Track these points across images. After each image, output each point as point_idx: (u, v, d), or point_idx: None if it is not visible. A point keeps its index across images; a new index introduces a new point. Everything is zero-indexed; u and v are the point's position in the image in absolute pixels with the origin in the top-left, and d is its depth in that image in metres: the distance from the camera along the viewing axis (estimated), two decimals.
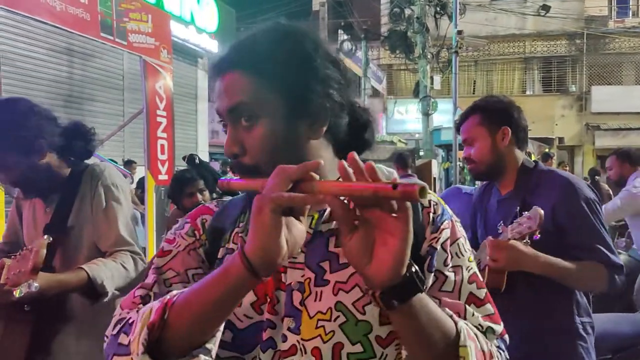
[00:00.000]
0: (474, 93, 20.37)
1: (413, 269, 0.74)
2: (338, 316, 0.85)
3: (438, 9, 13.50)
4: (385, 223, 0.72)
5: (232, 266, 0.74)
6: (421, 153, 13.58)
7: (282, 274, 0.89)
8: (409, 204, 0.71)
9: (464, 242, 0.94)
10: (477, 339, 0.85)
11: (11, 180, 1.90)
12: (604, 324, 2.68)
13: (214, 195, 3.20)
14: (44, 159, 1.84)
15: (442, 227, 0.91)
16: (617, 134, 18.38)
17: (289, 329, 0.87)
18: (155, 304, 0.80)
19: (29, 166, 1.81)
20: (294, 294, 0.88)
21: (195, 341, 0.79)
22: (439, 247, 0.90)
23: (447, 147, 12.44)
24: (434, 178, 10.86)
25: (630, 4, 21.03)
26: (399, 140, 13.21)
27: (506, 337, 0.94)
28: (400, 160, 5.81)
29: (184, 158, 3.31)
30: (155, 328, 0.77)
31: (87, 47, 9.19)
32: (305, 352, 0.85)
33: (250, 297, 0.88)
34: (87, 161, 1.97)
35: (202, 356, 0.79)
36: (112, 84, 10.39)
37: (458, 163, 11.29)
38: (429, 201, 0.94)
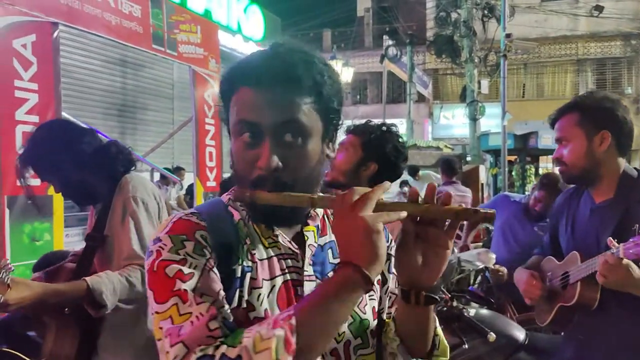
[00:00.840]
0: (523, 97, 19.86)
1: None
2: (349, 320, 0.99)
3: (486, 11, 13.25)
4: (439, 239, 0.90)
5: (348, 282, 0.83)
6: (468, 158, 13.34)
7: (299, 287, 0.97)
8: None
9: None
10: None
11: (65, 194, 2.09)
12: None
13: None
14: (93, 174, 1.99)
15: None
16: None
17: None
18: (267, 333, 0.79)
19: (79, 180, 1.98)
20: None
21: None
22: (392, 252, 1.09)
23: (496, 153, 12.16)
24: (482, 184, 10.64)
25: None
26: (445, 146, 13.02)
27: None
28: (447, 166, 5.59)
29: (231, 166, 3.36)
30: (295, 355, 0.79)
31: (138, 58, 9.52)
32: (327, 355, 0.96)
33: (277, 311, 0.94)
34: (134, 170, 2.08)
35: None
36: (162, 93, 10.73)
37: (506, 168, 11.02)
38: None
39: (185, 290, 0.86)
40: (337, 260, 0.93)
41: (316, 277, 0.98)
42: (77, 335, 1.92)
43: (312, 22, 21.87)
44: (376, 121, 2.12)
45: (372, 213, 0.83)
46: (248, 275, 0.93)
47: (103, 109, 9.41)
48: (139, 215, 1.93)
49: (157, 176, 8.44)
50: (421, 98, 19.39)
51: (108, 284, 1.79)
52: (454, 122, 19.57)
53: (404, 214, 0.86)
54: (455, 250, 4.51)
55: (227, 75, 0.97)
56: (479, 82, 13.33)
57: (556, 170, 2.11)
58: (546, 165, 12.28)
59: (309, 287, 0.97)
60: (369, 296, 1.03)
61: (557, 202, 2.05)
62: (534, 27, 18.51)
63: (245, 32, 12.05)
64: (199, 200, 6.45)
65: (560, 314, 1.83)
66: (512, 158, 13.04)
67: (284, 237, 0.99)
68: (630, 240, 1.55)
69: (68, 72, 8.63)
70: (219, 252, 0.92)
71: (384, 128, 2.02)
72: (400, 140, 2.04)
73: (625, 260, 1.54)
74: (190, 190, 7.86)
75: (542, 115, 16.13)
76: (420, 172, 9.28)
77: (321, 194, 0.95)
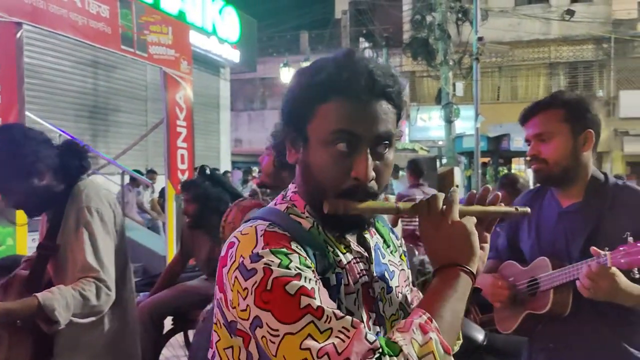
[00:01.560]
0: (498, 99, 20.12)
1: None
2: (401, 314, 1.05)
3: (460, 15, 13.41)
4: (482, 235, 1.01)
5: (462, 281, 0.93)
6: (444, 160, 13.47)
7: (370, 289, 1.01)
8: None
9: None
10: None
11: (13, 204, 1.98)
12: None
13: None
14: (43, 181, 1.90)
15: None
16: None
17: (377, 333, 0.99)
18: (422, 339, 0.84)
19: (28, 190, 1.88)
20: (379, 304, 1.02)
21: None
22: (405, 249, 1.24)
23: (470, 155, 12.29)
24: (457, 186, 10.74)
25: None
26: (421, 148, 13.11)
27: None
28: (414, 168, 5.51)
29: (195, 169, 3.35)
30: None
31: (110, 59, 9.40)
32: None
33: (364, 314, 1.00)
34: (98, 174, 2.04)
35: None
36: (135, 95, 10.60)
37: (479, 170, 11.14)
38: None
39: (318, 306, 0.83)
40: (386, 260, 1.08)
41: (378, 278, 1.04)
42: (30, 344, 1.88)
43: (289, 24, 21.85)
44: None
45: (469, 217, 0.97)
46: (342, 281, 0.96)
47: (74, 111, 9.25)
48: (93, 226, 1.89)
49: (127, 179, 8.32)
50: None
51: (60, 300, 1.74)
52: (430, 124, 19.73)
53: (474, 219, 0.98)
54: (417, 253, 4.54)
55: (313, 84, 0.95)
56: (454, 85, 13.46)
57: (529, 171, 2.04)
58: (519, 167, 12.44)
59: (377, 287, 1.02)
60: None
61: (515, 203, 1.94)
62: (507, 30, 18.76)
63: (221, 34, 11.98)
64: (171, 203, 6.39)
65: (527, 321, 1.76)
66: (486, 160, 13.19)
67: (353, 242, 1.03)
68: (620, 248, 1.49)
69: (38, 73, 8.48)
70: (315, 261, 0.92)
71: None
72: None
73: (612, 269, 1.49)
74: (163, 192, 7.78)
75: (516, 117, 16.47)
76: (400, 173, 9.31)
77: (405, 202, 1.02)
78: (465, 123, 14.69)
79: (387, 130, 0.95)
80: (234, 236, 0.93)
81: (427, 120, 19.84)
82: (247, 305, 0.85)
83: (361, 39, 15.09)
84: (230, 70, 13.87)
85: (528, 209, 1.02)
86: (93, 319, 1.88)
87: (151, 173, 8.72)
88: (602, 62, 19.08)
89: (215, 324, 0.97)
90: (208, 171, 3.29)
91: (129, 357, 2.09)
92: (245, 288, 0.85)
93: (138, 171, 8.12)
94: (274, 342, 0.82)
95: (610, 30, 18.55)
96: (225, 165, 13.13)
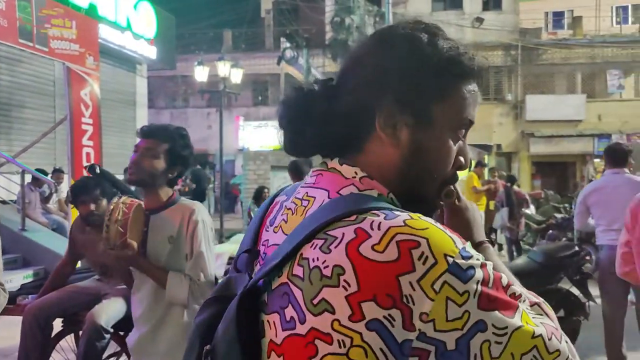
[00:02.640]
0: None
1: None
2: None
3: (377, 19, 13.82)
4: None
5: (494, 252, 0.97)
6: None
7: None
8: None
9: None
10: None
11: None
12: None
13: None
14: None
15: None
16: (550, 141, 19.25)
17: None
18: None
19: None
20: None
21: None
22: None
23: None
24: None
25: (565, 16, 22.15)
26: None
27: None
28: (294, 168, 5.19)
29: (85, 167, 3.31)
30: None
31: (14, 52, 8.92)
32: None
33: None
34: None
35: None
36: (42, 90, 10.11)
37: None
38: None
39: (517, 290, 0.76)
40: None
41: None
42: None
43: (210, 22, 21.58)
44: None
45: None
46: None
47: None
48: None
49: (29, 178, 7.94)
50: None
51: None
52: None
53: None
54: None
55: (457, 60, 0.83)
56: None
57: None
58: None
59: None
60: None
61: None
62: None
63: (136, 30, 11.66)
64: None
65: None
66: None
67: None
68: None
69: None
70: None
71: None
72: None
73: None
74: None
75: None
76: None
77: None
78: None
79: None
80: (406, 236, 0.70)
81: None
82: (465, 312, 0.70)
83: (282, 39, 15.16)
84: (147, 67, 13.53)
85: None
86: None
87: (58, 172, 8.36)
88: (510, 68, 20.30)
89: (333, 354, 0.69)
90: (98, 170, 3.25)
91: None
92: (465, 292, 0.70)
93: (42, 170, 7.77)
94: (500, 343, 0.71)
95: (518, 38, 19.77)
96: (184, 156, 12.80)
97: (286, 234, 0.79)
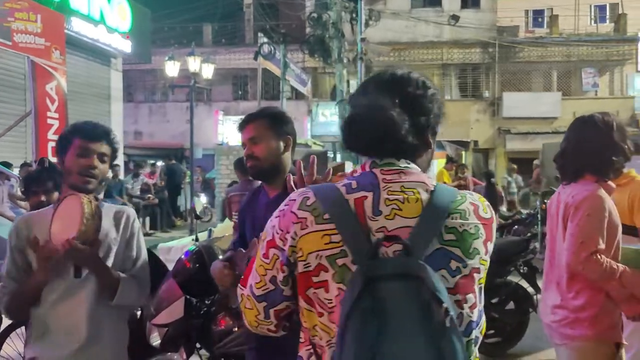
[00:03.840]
0: None
1: None
2: None
3: (353, 15, 13.87)
4: None
5: None
6: (338, 155, 13.91)
7: None
8: None
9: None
10: None
11: None
12: None
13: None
14: None
15: None
16: (526, 137, 19.49)
17: None
18: None
19: None
20: None
21: None
22: None
23: None
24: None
25: (546, 14, 22.38)
26: (314, 143, 13.46)
27: (240, 286, 1.30)
28: (240, 165, 5.25)
29: (35, 161, 3.34)
30: None
31: None
32: None
33: None
34: None
35: None
36: (12, 84, 10.02)
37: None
38: None
39: None
40: None
41: None
42: None
43: (191, 15, 21.46)
44: None
45: None
46: None
47: None
48: None
49: None
50: (300, 96, 19.82)
51: None
52: (331, 119, 20.20)
53: None
54: None
55: None
56: (348, 82, 13.92)
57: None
58: None
59: None
60: None
61: (242, 203, 2.34)
62: (404, 32, 19.68)
63: (110, 23, 11.60)
64: None
65: None
66: None
67: None
68: None
69: None
70: None
71: None
72: None
73: None
74: None
75: None
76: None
77: None
78: None
79: None
80: (487, 203, 1.21)
81: (328, 116, 20.30)
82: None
83: (260, 34, 15.16)
84: (123, 60, 13.46)
85: None
86: None
87: (26, 166, 8.29)
88: (488, 65, 20.51)
89: (481, 278, 1.15)
90: (47, 164, 3.28)
91: None
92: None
93: (7, 163, 7.73)
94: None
95: (495, 36, 19.98)
96: (117, 158, 12.76)
97: (409, 217, 1.09)
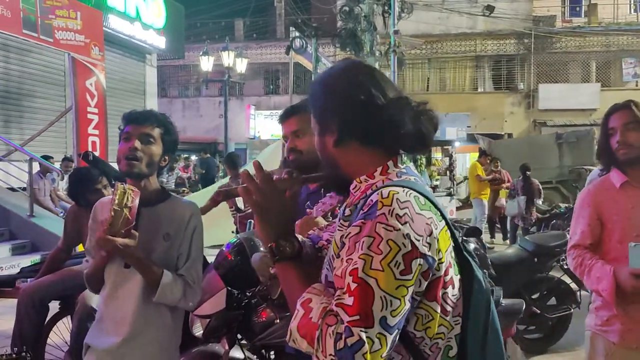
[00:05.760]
0: (427, 90, 20.77)
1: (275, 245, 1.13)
2: None
3: (386, 7, 13.71)
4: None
5: None
6: None
7: None
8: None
9: (367, 242, 1.01)
10: (313, 310, 1.03)
11: None
12: None
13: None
14: None
15: (357, 223, 1.05)
16: (563, 130, 19.02)
17: None
18: None
19: None
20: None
21: None
22: (346, 240, 1.06)
23: None
24: None
25: (583, 3, 21.75)
26: None
27: (360, 330, 0.96)
28: (230, 161, 5.74)
29: (79, 155, 3.41)
30: None
31: (25, 43, 9.07)
32: None
33: None
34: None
35: None
36: (52, 80, 10.29)
37: None
38: (370, 200, 1.07)
39: None
40: None
41: None
42: None
43: (223, 10, 21.62)
44: None
45: None
46: None
47: None
48: None
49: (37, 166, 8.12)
50: None
51: None
52: None
53: None
54: None
55: None
56: None
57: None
58: (435, 156, 13.00)
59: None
60: None
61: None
62: (437, 24, 19.40)
63: (145, 20, 11.78)
64: None
65: None
66: None
67: None
68: (320, 201, 1.77)
69: None
70: None
71: None
72: None
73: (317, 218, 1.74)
74: None
75: (444, 108, 16.87)
76: None
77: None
78: None
79: None
80: None
81: None
82: None
83: (291, 28, 15.15)
84: (157, 56, 13.65)
85: None
86: None
87: (67, 161, 8.53)
88: (523, 56, 20.05)
89: None
90: (91, 157, 3.35)
91: None
92: None
93: (47, 157, 7.96)
94: None
95: (531, 26, 19.51)
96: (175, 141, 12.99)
97: None
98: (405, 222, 1.00)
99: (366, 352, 0.95)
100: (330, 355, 0.96)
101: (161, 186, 2.07)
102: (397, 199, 1.03)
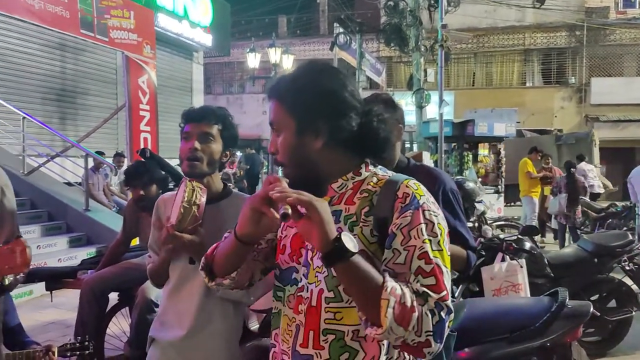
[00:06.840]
0: (473, 85, 20.36)
1: (337, 243, 1.06)
2: (324, 270, 1.19)
3: (432, 1, 13.48)
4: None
5: None
6: (414, 145, 13.67)
7: None
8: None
9: (424, 227, 1.14)
10: (404, 295, 1.07)
11: None
12: (502, 305, 2.85)
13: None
14: None
15: (404, 214, 1.15)
16: (617, 125, 18.32)
17: (302, 274, 1.25)
18: None
19: None
20: (308, 252, 1.24)
21: None
22: (397, 231, 1.14)
23: (435, 139, 12.50)
24: None
25: None
26: None
27: (447, 302, 1.10)
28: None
29: (137, 151, 3.48)
30: None
31: (79, 42, 9.40)
32: (308, 291, 1.23)
33: (289, 249, 1.28)
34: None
35: None
36: (105, 78, 10.61)
37: (443, 155, 11.40)
38: (402, 193, 1.17)
39: None
40: None
41: None
42: None
43: (266, 8, 21.78)
44: None
45: None
46: None
47: (41, 94, 9.28)
48: None
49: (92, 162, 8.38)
50: (375, 85, 19.64)
51: None
52: (407, 109, 19.86)
53: None
54: None
55: None
56: (425, 71, 13.60)
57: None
58: (482, 153, 12.72)
59: None
60: None
61: None
62: (484, 17, 18.96)
63: (192, 18, 11.99)
64: None
65: None
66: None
67: None
68: None
69: (4, 56, 8.49)
70: None
71: None
72: None
73: None
74: None
75: (490, 103, 16.49)
76: None
77: None
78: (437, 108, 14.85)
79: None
80: None
81: (404, 105, 19.98)
82: None
83: (335, 24, 15.13)
84: (203, 54, 13.88)
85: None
86: None
87: (119, 156, 8.80)
88: (574, 49, 19.37)
89: None
90: (148, 154, 3.42)
91: None
92: None
93: (100, 152, 8.21)
94: None
95: (583, 18, 18.81)
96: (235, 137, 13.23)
97: None
98: (438, 207, 1.19)
99: (451, 320, 1.12)
100: (427, 331, 1.06)
101: (223, 182, 2.07)
102: (422, 187, 1.19)
